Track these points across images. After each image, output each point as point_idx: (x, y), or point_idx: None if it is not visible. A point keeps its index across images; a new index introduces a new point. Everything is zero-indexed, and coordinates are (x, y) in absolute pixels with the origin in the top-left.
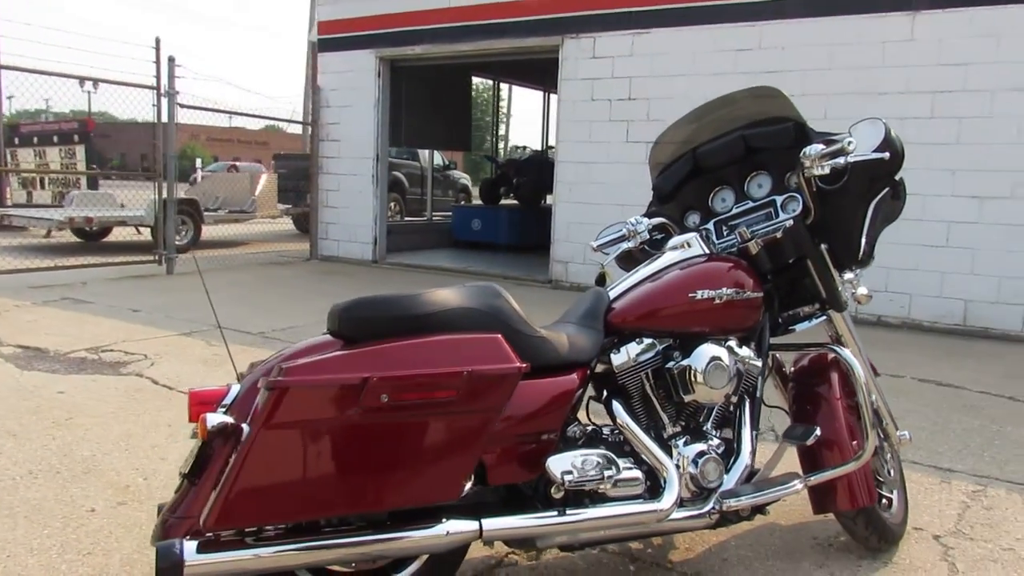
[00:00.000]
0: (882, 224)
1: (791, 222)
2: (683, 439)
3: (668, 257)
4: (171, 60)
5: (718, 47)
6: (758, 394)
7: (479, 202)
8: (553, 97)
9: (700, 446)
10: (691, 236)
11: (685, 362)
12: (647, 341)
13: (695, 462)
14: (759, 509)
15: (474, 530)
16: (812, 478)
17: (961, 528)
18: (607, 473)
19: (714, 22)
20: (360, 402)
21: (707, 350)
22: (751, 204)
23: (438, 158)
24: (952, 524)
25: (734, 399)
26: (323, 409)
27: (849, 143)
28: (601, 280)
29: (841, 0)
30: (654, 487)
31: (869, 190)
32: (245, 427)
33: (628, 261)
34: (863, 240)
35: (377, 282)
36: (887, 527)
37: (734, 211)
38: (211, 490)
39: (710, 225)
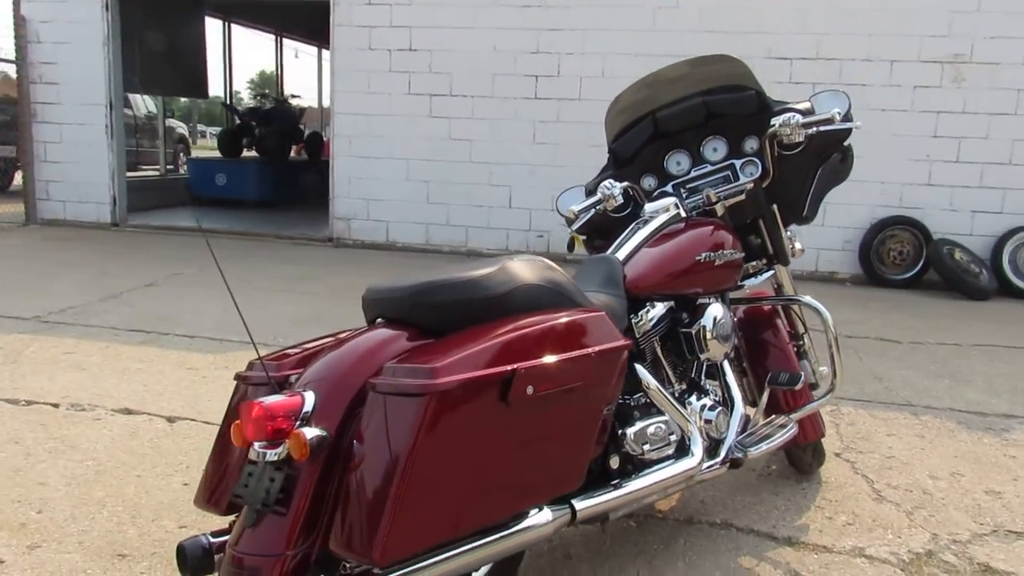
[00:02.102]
0: (829, 185)
1: (751, 184)
2: (692, 396)
3: (658, 221)
4: None
5: (501, 2)
6: None
7: (206, 155)
8: (288, 42)
9: (706, 400)
10: (671, 200)
11: (701, 323)
12: (659, 305)
13: (707, 416)
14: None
15: (567, 512)
16: (795, 416)
17: (849, 445)
18: (672, 438)
19: None
20: (509, 397)
21: (714, 310)
22: (709, 167)
23: (152, 105)
24: (839, 442)
25: (731, 354)
26: (474, 410)
27: (837, 113)
28: (571, 246)
29: None
30: (679, 445)
31: (820, 155)
32: (357, 444)
33: (586, 226)
34: (808, 201)
35: (132, 247)
36: (823, 452)
37: (692, 174)
38: (301, 519)
39: (668, 188)
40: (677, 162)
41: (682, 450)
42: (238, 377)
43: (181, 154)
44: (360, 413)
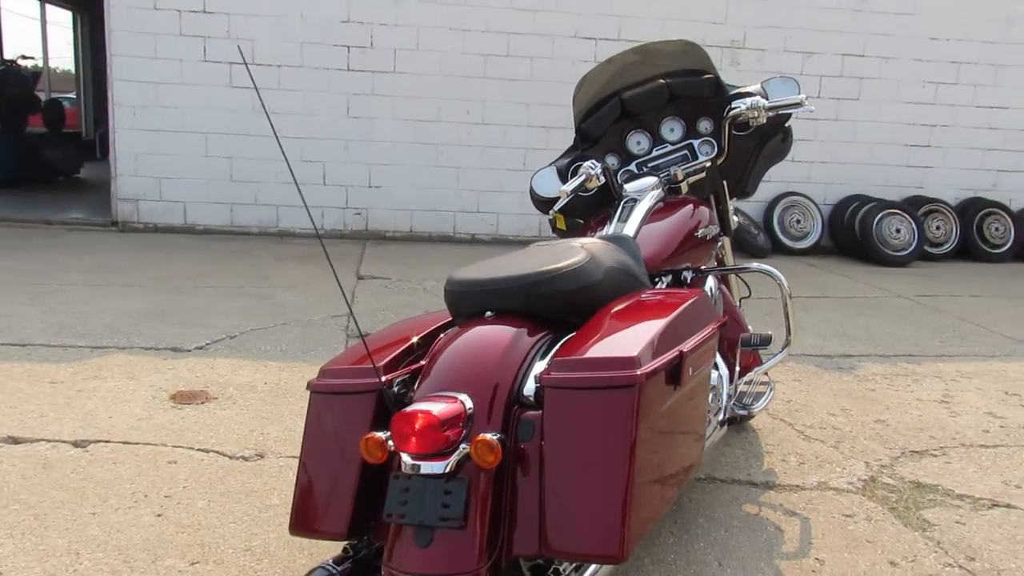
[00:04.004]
0: (770, 162)
1: (710, 163)
2: None
3: (648, 199)
4: None
5: None
6: None
7: None
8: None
9: None
10: (653, 180)
11: None
12: (664, 281)
13: (711, 381)
14: None
15: None
16: (760, 370)
17: None
18: (715, 406)
19: None
20: (679, 380)
21: (711, 283)
22: (669, 147)
23: None
24: None
25: None
26: (660, 395)
27: (805, 98)
28: (554, 226)
29: None
30: None
31: (764, 135)
32: (550, 442)
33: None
34: (751, 177)
35: None
36: None
37: (653, 153)
38: (486, 529)
39: (633, 167)
40: (637, 141)
41: None
42: (317, 387)
43: None
44: (518, 412)
